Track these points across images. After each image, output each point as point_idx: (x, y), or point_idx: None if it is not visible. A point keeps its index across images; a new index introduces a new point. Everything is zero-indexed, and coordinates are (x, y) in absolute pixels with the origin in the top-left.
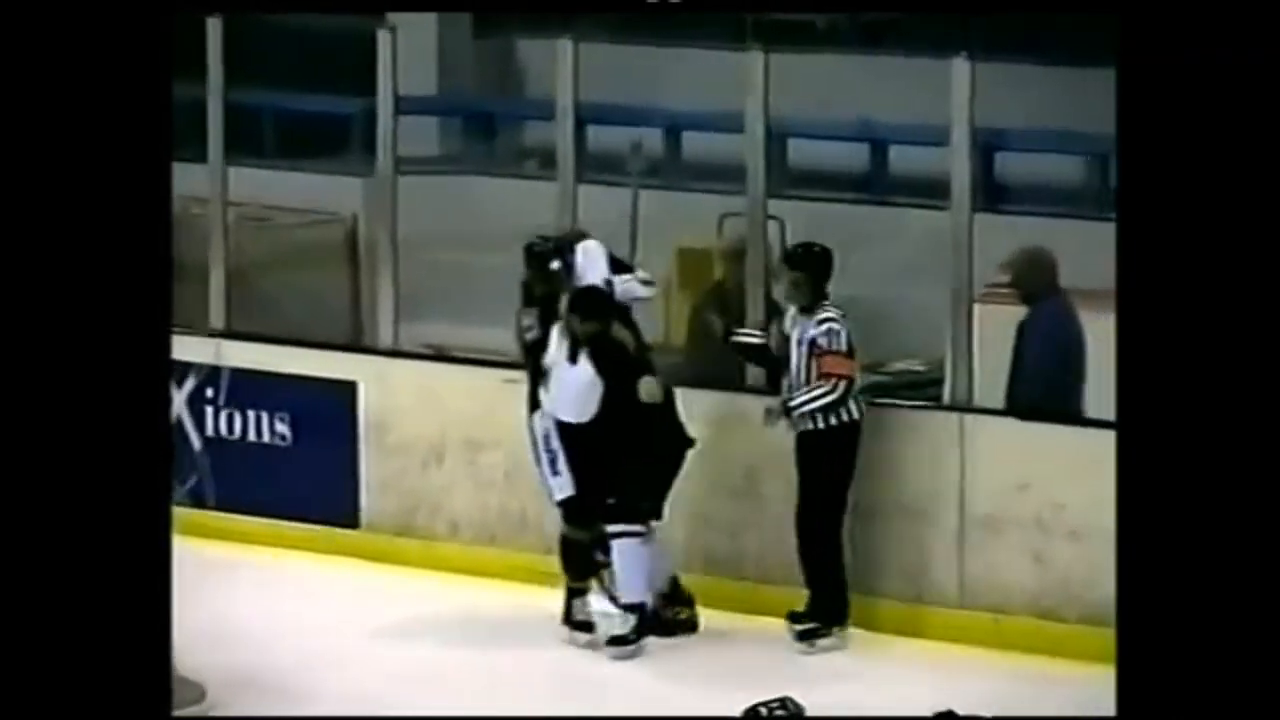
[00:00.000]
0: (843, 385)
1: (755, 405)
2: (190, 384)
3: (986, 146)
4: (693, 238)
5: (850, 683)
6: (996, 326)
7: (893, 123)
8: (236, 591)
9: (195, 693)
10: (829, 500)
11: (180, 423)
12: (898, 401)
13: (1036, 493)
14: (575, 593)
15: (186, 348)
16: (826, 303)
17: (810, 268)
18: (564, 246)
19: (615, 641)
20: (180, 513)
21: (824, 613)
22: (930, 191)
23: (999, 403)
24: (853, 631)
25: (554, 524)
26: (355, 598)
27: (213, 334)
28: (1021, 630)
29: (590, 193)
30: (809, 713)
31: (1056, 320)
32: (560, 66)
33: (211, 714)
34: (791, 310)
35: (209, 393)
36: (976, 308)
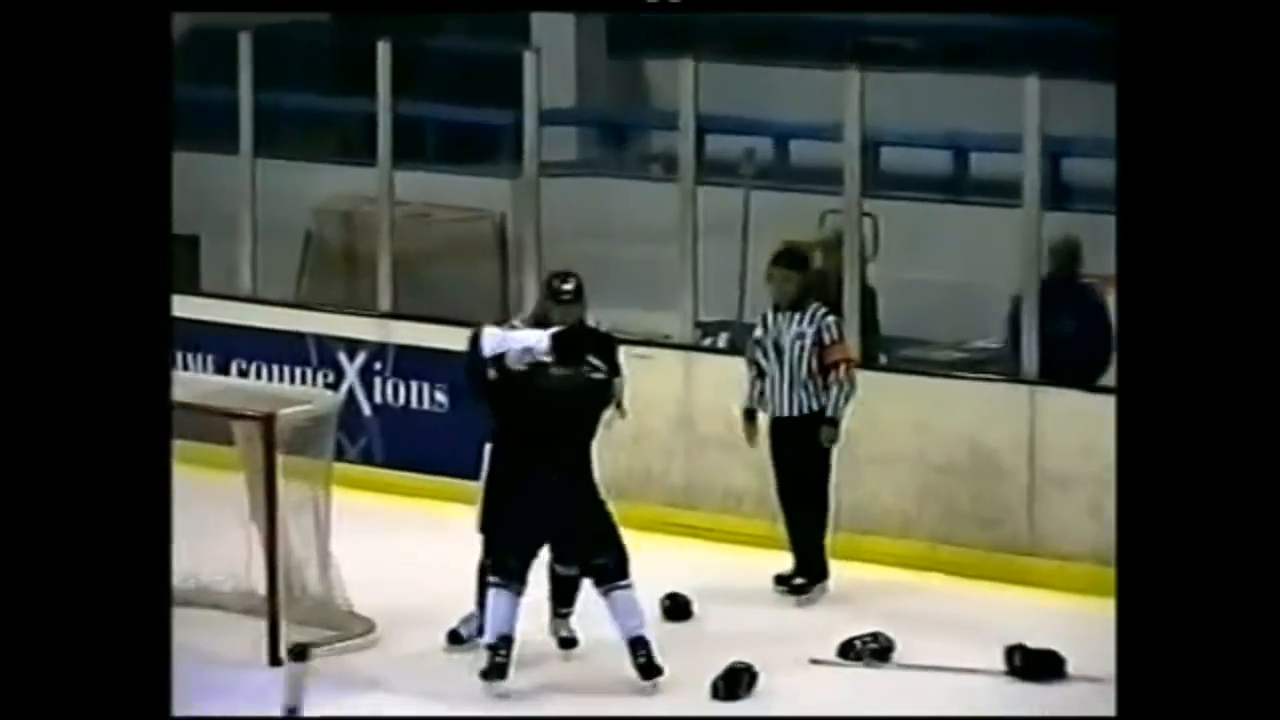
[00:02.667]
0: (854, 369)
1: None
2: (361, 358)
3: (1054, 153)
4: (797, 232)
5: (933, 620)
6: None
7: (972, 132)
8: (401, 538)
9: (366, 625)
10: (818, 478)
11: (353, 392)
12: (976, 375)
13: (1097, 455)
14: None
15: (358, 327)
16: (812, 300)
17: (802, 267)
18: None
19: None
20: (351, 469)
21: (809, 572)
22: (1005, 192)
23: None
24: (937, 575)
25: (679, 479)
26: None
27: (381, 315)
28: (1083, 575)
29: (708, 193)
30: (898, 645)
31: (1095, 298)
32: (682, 83)
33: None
34: (768, 314)
35: (377, 366)
36: None
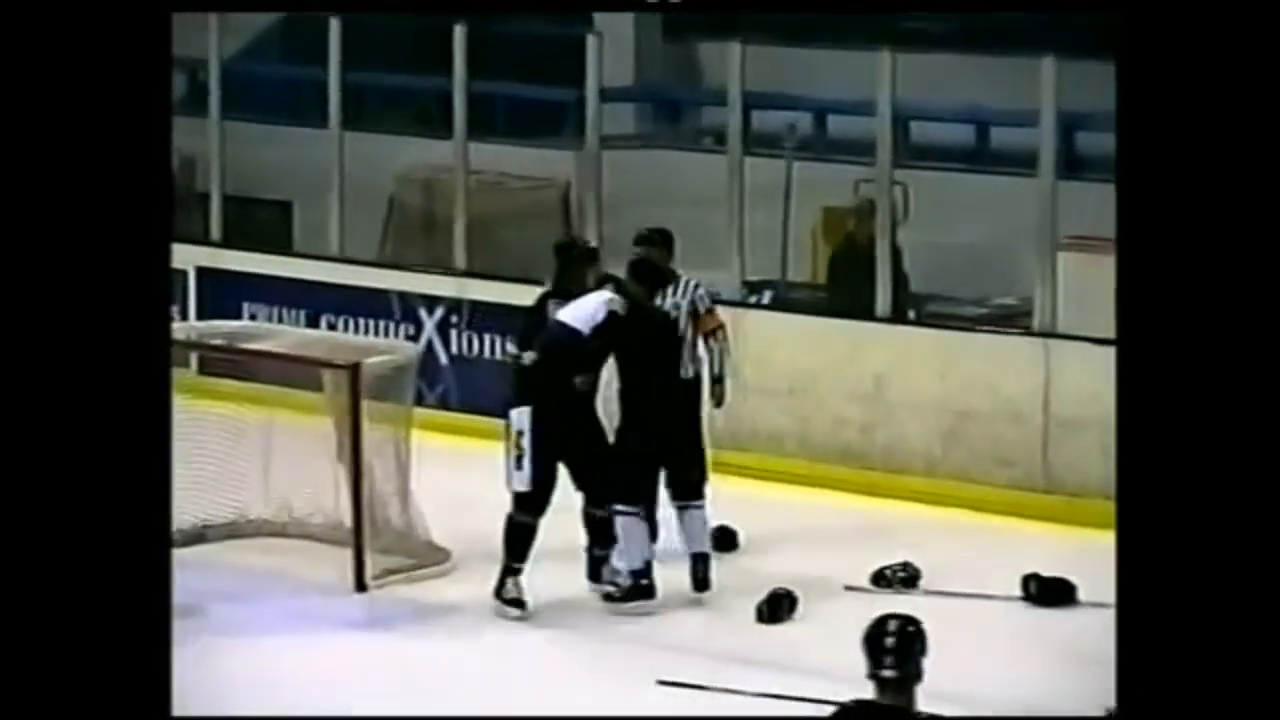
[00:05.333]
0: (726, 334)
1: (879, 330)
2: (439, 313)
3: (1068, 127)
4: (834, 199)
5: (957, 551)
6: (1074, 269)
7: (993, 108)
8: (475, 476)
9: (442, 555)
10: (696, 440)
11: (431, 343)
12: (996, 328)
13: (1106, 401)
14: (510, 571)
15: (436, 284)
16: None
17: (661, 244)
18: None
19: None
20: (430, 413)
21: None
22: (1023, 162)
23: (1076, 329)
24: (960, 510)
25: (726, 423)
26: (564, 480)
27: (457, 274)
28: (1093, 510)
29: (754, 163)
30: (925, 574)
31: None
32: (731, 63)
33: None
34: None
35: (454, 320)
36: (1060, 255)
